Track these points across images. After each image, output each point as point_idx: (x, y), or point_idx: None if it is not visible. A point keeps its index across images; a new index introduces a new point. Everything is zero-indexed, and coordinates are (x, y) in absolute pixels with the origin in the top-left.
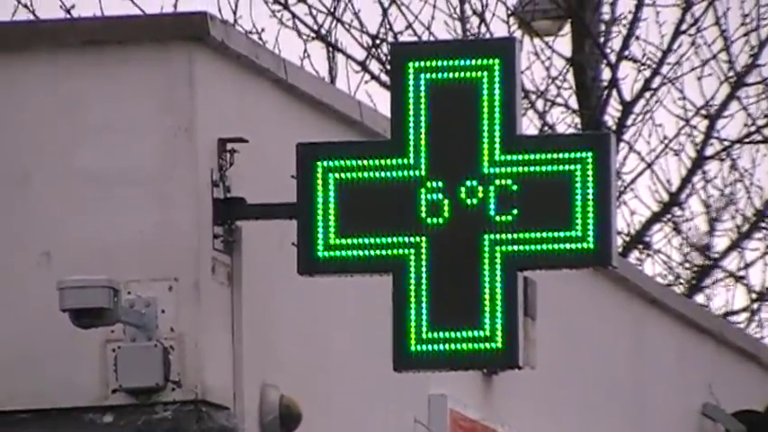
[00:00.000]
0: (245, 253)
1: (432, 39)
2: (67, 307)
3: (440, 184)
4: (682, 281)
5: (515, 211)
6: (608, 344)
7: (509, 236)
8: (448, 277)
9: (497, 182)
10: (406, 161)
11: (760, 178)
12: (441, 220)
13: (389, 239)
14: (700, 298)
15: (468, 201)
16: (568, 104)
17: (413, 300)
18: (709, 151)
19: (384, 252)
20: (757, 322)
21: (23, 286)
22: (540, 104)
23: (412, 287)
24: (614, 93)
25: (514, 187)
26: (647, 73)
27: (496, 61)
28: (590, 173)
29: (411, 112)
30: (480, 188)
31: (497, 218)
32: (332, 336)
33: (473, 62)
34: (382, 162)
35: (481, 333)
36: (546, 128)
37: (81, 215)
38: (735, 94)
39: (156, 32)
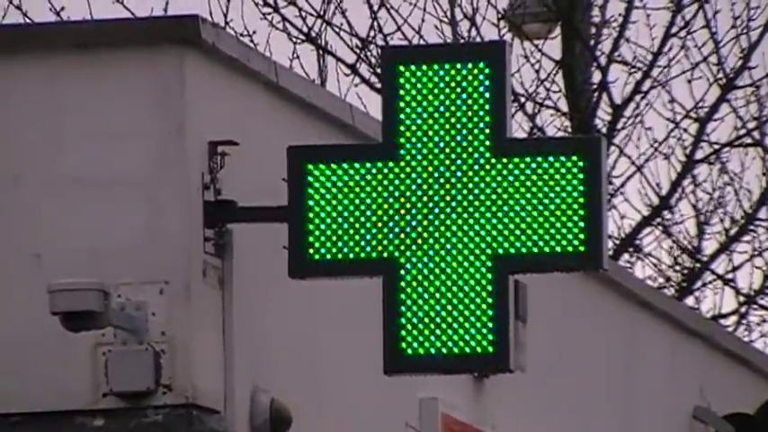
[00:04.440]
0: (236, 256)
1: (422, 42)
2: (58, 310)
3: (430, 186)
4: (672, 284)
5: (506, 215)
6: (599, 347)
7: (500, 239)
8: (439, 280)
9: (488, 185)
10: (396, 164)
11: (749, 181)
12: (432, 223)
13: (380, 242)
14: (689, 301)
15: (459, 203)
16: (558, 107)
17: (404, 303)
18: (698, 154)
19: (375, 255)
20: (746, 325)
21: (13, 289)
22: (529, 107)
23: (403, 290)
24: (604, 96)
25: (505, 190)
26: (638, 76)
27: (486, 64)
28: (581, 176)
29: (402, 116)
30: (471, 191)
31: (488, 221)
32: (323, 339)
33: (463, 65)
34: (373, 165)
35: (472, 336)
36: (536, 131)
37: (71, 218)
38: (725, 97)
39: (147, 35)
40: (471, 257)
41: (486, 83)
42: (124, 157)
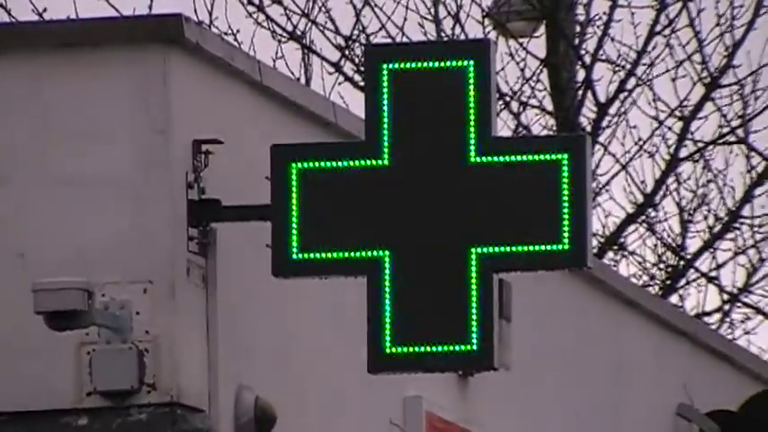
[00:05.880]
0: (219, 255)
1: (406, 40)
2: (42, 309)
3: (414, 185)
4: (656, 282)
5: (491, 213)
6: (583, 345)
7: (484, 238)
8: (423, 279)
9: (472, 183)
10: (380, 163)
11: (733, 179)
12: (416, 222)
13: (364, 241)
14: (673, 299)
15: (443, 202)
16: (543, 106)
17: (388, 301)
18: (683, 152)
19: (359, 254)
20: (729, 323)
21: None
22: (514, 106)
23: (387, 289)
24: (589, 94)
25: (489, 189)
26: (622, 74)
27: (471, 63)
28: (565, 175)
29: (385, 114)
30: (455, 190)
31: (473, 220)
32: (307, 338)
33: (447, 64)
34: (356, 163)
35: (456, 335)
36: (521, 129)
37: (56, 217)
38: (709, 96)
39: (131, 34)
40: (455, 256)
41: (471, 81)
42: (108, 156)
